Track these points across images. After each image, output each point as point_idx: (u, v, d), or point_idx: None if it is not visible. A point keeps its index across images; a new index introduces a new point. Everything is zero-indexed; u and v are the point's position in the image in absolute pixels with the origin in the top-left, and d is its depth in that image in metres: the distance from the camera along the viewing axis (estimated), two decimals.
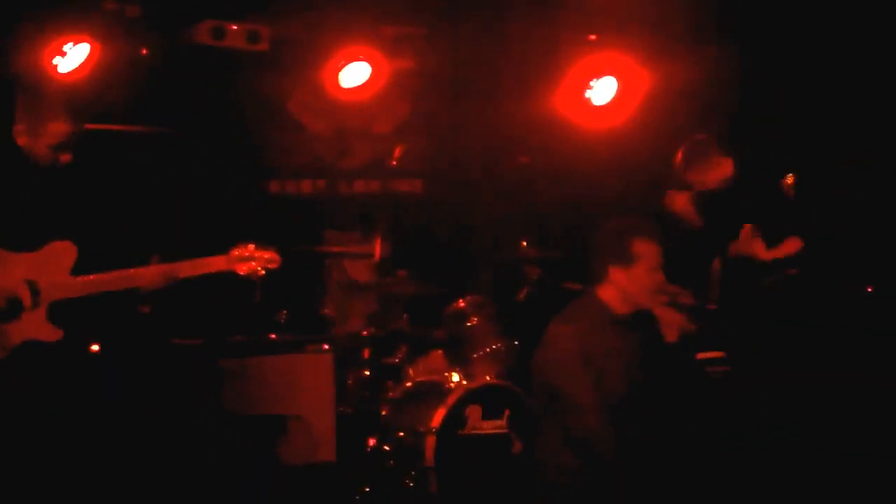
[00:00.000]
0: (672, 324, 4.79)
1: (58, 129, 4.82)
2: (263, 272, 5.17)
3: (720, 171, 6.39)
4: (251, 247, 5.13)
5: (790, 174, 6.62)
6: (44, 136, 4.81)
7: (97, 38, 6.85)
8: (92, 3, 6.88)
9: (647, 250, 4.73)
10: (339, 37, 7.65)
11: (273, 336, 6.66)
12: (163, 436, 5.92)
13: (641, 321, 4.81)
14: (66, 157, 4.88)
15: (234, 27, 7.22)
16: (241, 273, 5.14)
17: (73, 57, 6.79)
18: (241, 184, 7.98)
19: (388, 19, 7.74)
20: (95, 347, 6.03)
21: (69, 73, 6.78)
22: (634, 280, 4.73)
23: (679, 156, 6.49)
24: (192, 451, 5.94)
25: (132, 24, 7.03)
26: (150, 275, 4.95)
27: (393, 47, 7.82)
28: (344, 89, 7.78)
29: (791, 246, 6.29)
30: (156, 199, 7.36)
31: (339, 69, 7.70)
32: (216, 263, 5.10)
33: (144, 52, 7.20)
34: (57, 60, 6.75)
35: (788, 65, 7.64)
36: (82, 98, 5.10)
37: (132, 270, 4.93)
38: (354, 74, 7.73)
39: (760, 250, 6.22)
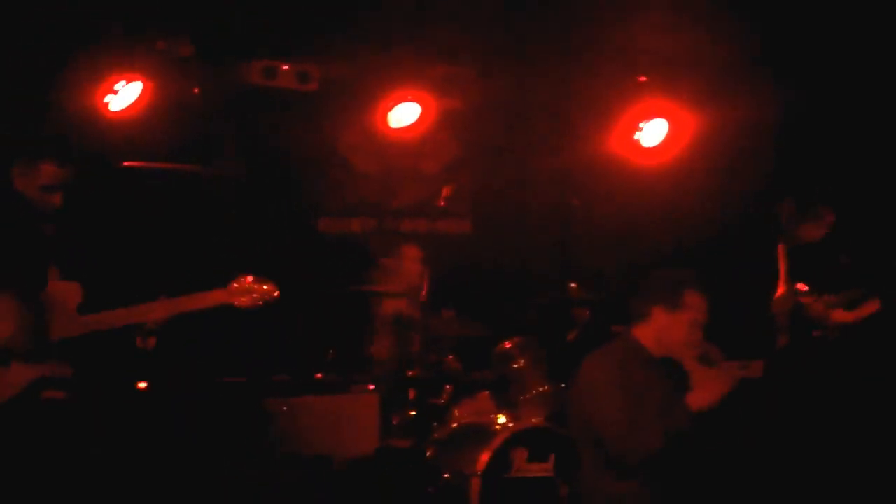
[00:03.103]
0: (702, 384, 4.72)
1: (49, 169, 4.82)
2: (262, 303, 5.08)
3: (821, 224, 6.38)
4: (249, 279, 5.05)
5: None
6: (36, 177, 4.82)
7: (149, 77, 6.92)
8: (144, 43, 6.94)
9: (696, 303, 4.77)
10: (388, 77, 7.69)
11: (319, 375, 6.64)
12: (206, 475, 5.90)
13: (674, 370, 4.77)
14: (55, 199, 4.85)
15: (286, 67, 7.27)
16: (239, 305, 5.05)
17: (124, 95, 6.87)
18: (292, 222, 8.00)
19: (437, 59, 7.76)
20: (143, 384, 6.05)
21: (120, 112, 6.86)
22: (675, 326, 4.75)
23: (783, 212, 6.45)
24: (235, 492, 5.91)
25: (184, 64, 7.08)
26: (153, 310, 4.92)
27: (442, 87, 7.84)
28: (393, 129, 7.81)
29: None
30: (201, 235, 7.38)
31: (389, 109, 7.73)
32: (216, 297, 5.03)
33: (196, 90, 7.25)
34: (108, 98, 6.83)
35: (837, 106, 7.57)
36: (72, 142, 5.07)
37: (136, 307, 4.91)
38: (403, 114, 7.76)
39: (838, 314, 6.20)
